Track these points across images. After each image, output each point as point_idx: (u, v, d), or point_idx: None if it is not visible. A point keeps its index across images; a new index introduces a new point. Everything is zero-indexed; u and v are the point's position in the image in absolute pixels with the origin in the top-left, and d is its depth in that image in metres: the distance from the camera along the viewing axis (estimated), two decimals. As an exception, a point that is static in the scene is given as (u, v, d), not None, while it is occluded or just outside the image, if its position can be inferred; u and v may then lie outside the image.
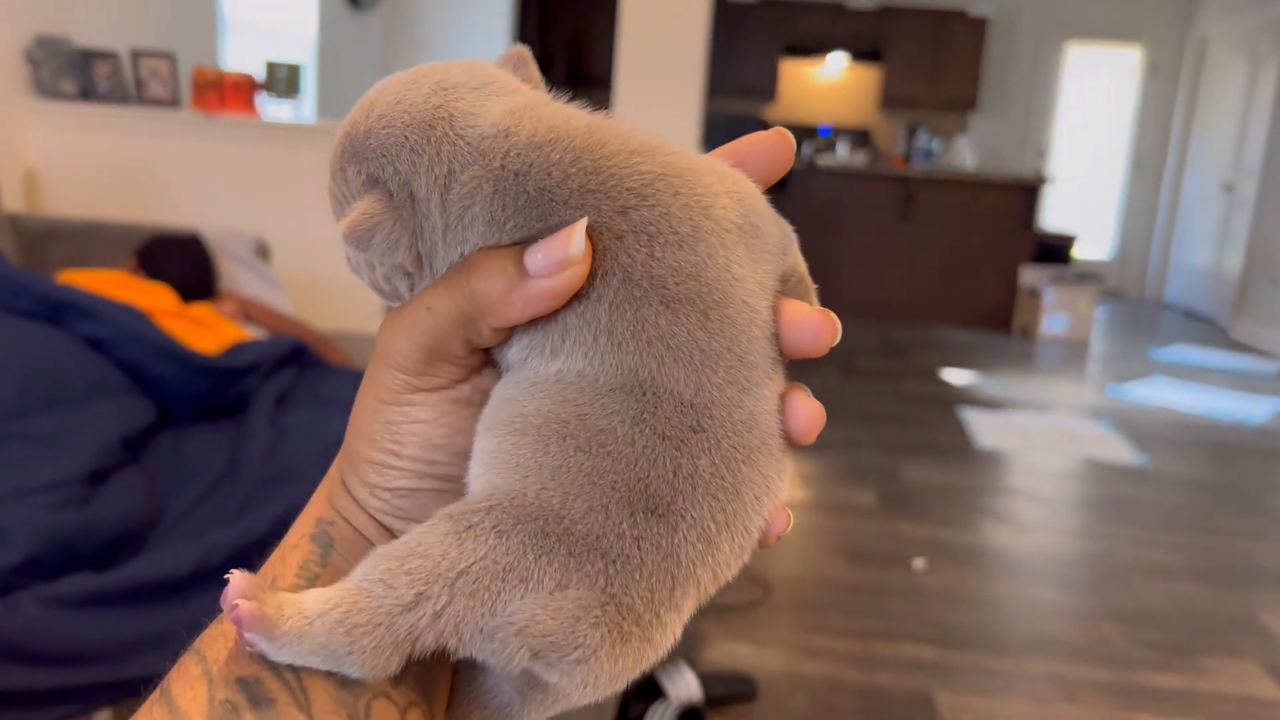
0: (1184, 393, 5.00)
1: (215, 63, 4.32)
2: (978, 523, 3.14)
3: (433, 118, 0.35)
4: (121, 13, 3.77)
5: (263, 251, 2.82)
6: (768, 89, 8.42)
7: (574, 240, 0.32)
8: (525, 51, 0.40)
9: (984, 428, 4.12)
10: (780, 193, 5.63)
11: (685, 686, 1.81)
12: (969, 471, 3.63)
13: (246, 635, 0.32)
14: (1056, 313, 6.21)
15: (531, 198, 0.33)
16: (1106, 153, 8.74)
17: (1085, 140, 8.67)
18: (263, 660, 0.34)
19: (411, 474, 0.38)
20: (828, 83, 8.67)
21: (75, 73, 3.24)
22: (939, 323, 6.60)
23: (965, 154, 7.30)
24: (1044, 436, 4.12)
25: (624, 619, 0.32)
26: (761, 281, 0.35)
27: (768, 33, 8.26)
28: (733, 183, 0.35)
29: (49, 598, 1.28)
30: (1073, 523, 3.26)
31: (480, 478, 0.34)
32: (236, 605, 0.32)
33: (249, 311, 2.32)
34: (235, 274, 2.56)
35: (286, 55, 4.99)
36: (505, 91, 0.36)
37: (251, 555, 1.47)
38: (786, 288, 0.37)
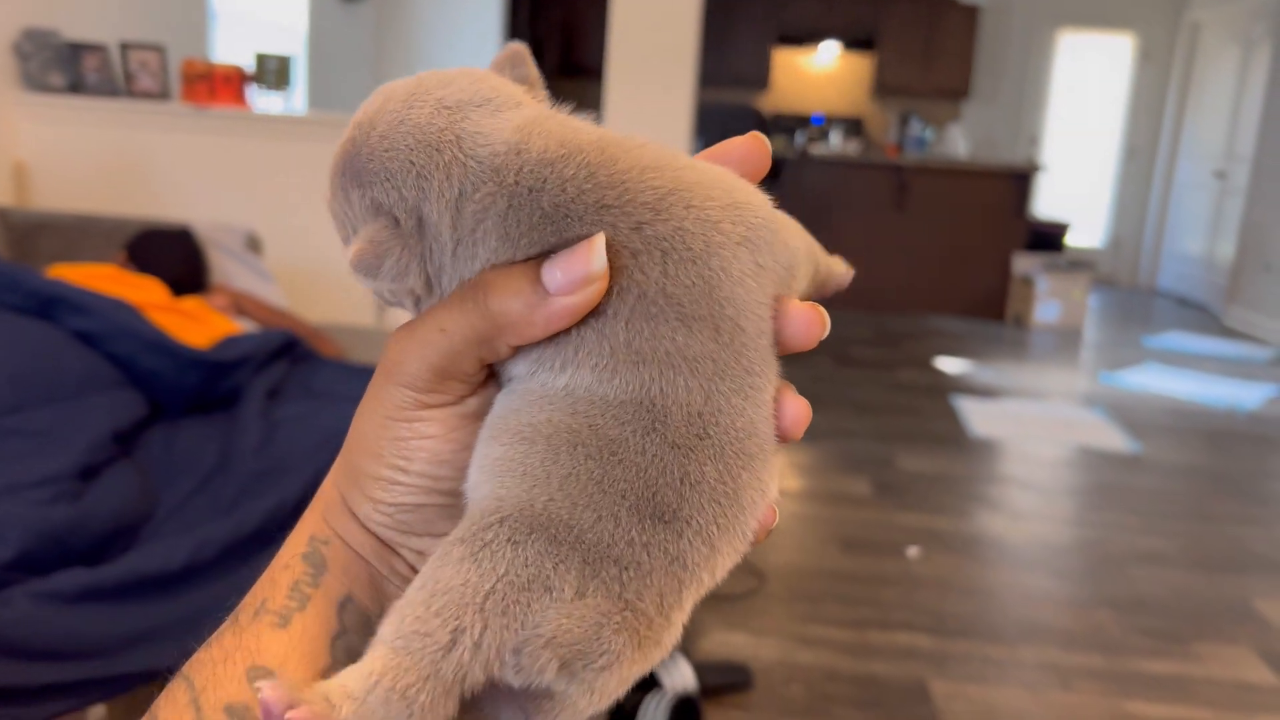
0: (1177, 380, 5.02)
1: (205, 55, 4.29)
2: (972, 511, 3.15)
3: (439, 140, 0.34)
4: (110, 5, 3.75)
5: (254, 244, 2.81)
6: (760, 78, 8.40)
7: (595, 257, 0.32)
8: (522, 49, 0.40)
9: (978, 416, 4.13)
10: (773, 183, 5.61)
11: (680, 676, 1.81)
12: (963, 460, 3.64)
13: None
14: (1050, 300, 6.22)
15: (546, 214, 0.33)
16: (1099, 140, 8.75)
17: (1078, 128, 8.67)
18: (250, 686, 0.34)
19: (418, 489, 0.38)
20: (820, 72, 8.65)
21: (64, 65, 3.22)
22: (932, 311, 6.61)
23: (958, 142, 7.29)
24: (1038, 424, 4.13)
25: (639, 624, 0.33)
26: (767, 290, 0.35)
27: (760, 22, 8.24)
28: (742, 194, 0.35)
29: (42, 593, 1.28)
30: (1066, 510, 3.27)
31: (483, 485, 0.34)
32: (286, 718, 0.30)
33: (240, 305, 2.32)
34: (226, 267, 2.55)
35: (277, 47, 4.97)
36: (510, 105, 0.36)
37: (244, 549, 1.47)
38: (816, 286, 0.39)
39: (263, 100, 3.44)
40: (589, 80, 7.90)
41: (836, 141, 7.61)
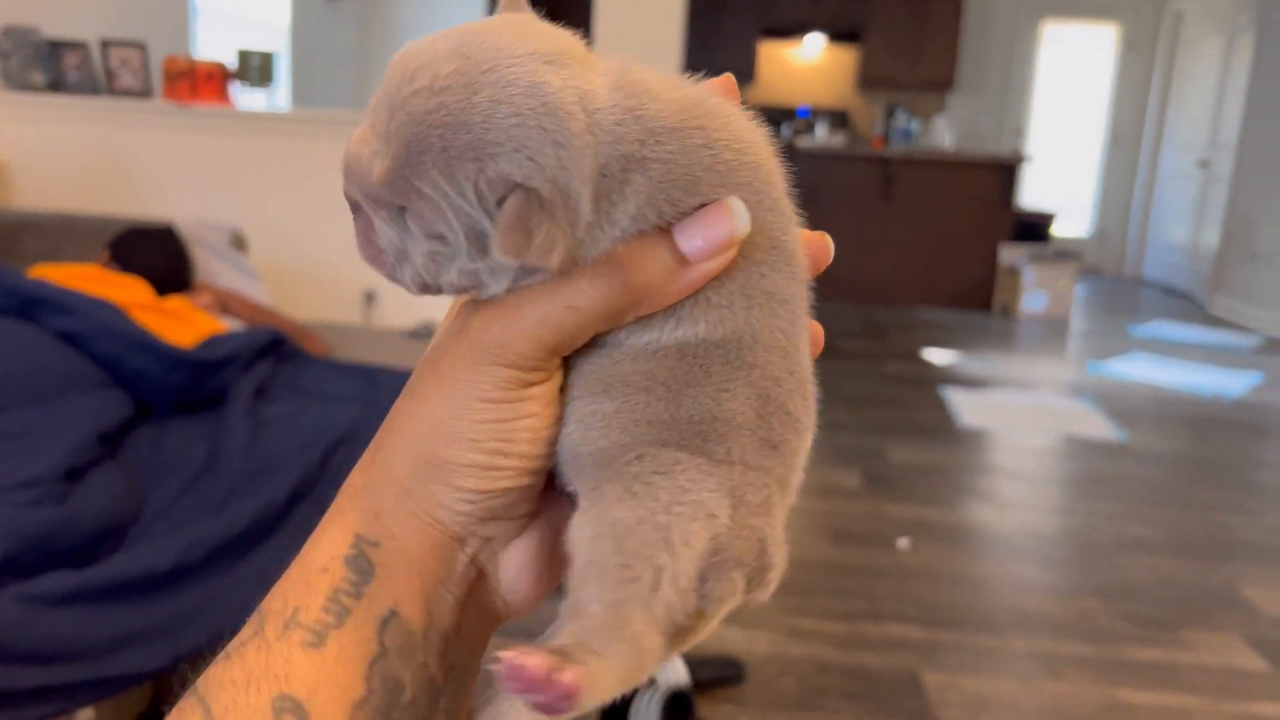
0: (1163, 368, 5.04)
1: (187, 52, 4.26)
2: (961, 502, 3.16)
3: (561, 101, 0.32)
4: (90, 2, 3.72)
5: (238, 242, 2.79)
6: (745, 71, 8.40)
7: (738, 220, 0.34)
8: None
9: (966, 407, 4.14)
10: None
11: (672, 671, 1.81)
12: (952, 451, 3.65)
13: (565, 706, 0.30)
14: (1036, 291, 6.24)
15: (675, 182, 0.34)
16: (1084, 130, 8.77)
17: (1063, 118, 8.69)
18: (274, 712, 0.32)
19: (517, 471, 0.36)
20: (806, 64, 8.65)
21: (44, 64, 3.20)
22: (920, 303, 6.62)
23: (944, 134, 7.30)
24: (1025, 414, 4.14)
25: (777, 539, 0.37)
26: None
27: (745, 14, 8.23)
28: (766, 137, 0.38)
29: (28, 596, 1.27)
30: (1054, 499, 3.28)
31: (600, 438, 0.35)
32: (557, 681, 0.30)
33: (225, 303, 2.30)
34: (211, 265, 2.54)
35: (259, 43, 4.94)
36: (584, 57, 0.35)
37: (233, 549, 1.46)
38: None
39: (246, 97, 3.42)
40: (574, 74, 7.89)
41: (822, 134, 7.61)
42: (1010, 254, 6.37)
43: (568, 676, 0.30)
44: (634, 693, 1.77)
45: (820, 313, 0.39)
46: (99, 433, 1.59)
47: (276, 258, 3.17)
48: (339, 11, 5.98)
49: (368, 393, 1.91)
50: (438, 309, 3.21)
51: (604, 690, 0.31)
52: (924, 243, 6.59)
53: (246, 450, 1.64)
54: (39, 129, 3.17)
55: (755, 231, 0.35)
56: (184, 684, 0.35)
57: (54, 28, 3.33)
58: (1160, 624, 2.41)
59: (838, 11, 8.19)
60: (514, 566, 0.38)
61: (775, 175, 0.37)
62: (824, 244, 0.39)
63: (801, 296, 0.37)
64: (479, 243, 0.33)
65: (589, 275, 0.34)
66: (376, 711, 0.34)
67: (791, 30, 8.36)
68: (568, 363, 0.36)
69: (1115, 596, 2.54)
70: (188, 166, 3.23)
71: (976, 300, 6.56)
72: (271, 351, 1.99)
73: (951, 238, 6.55)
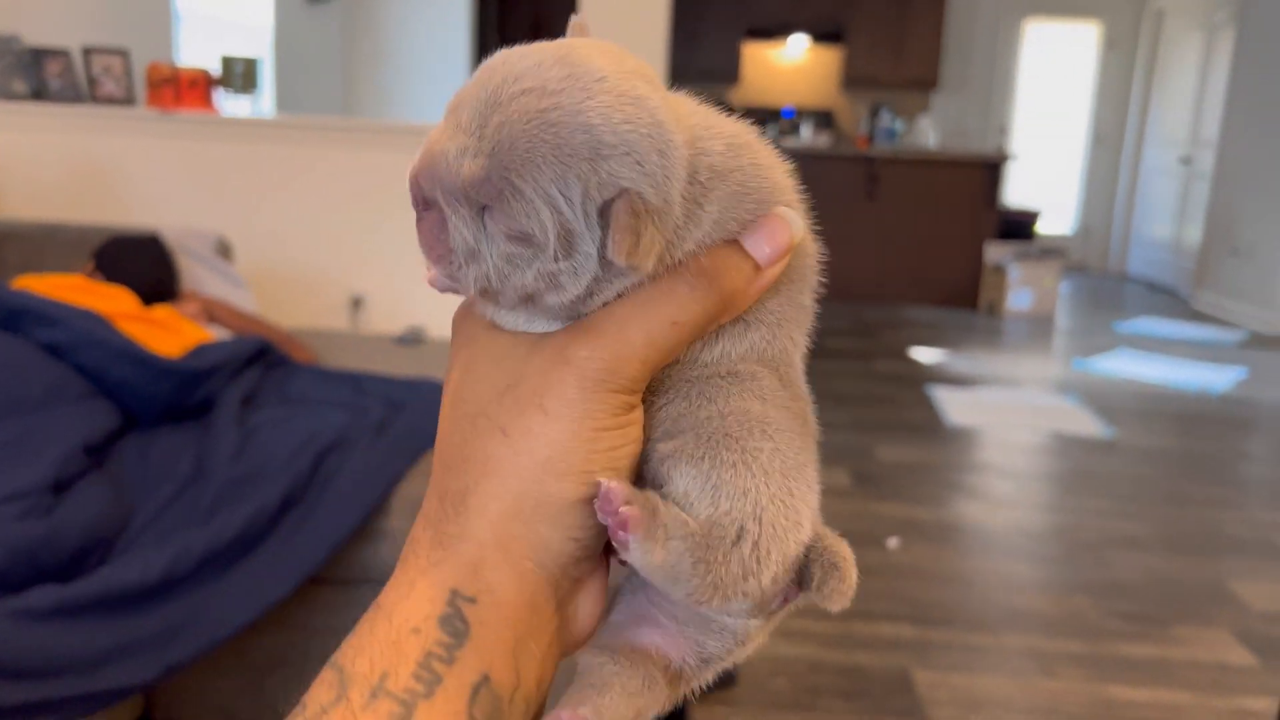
0: (1148, 364, 5.07)
1: (170, 58, 4.24)
2: (950, 500, 3.17)
3: (664, 115, 0.34)
4: (72, 9, 3.70)
5: (224, 250, 2.78)
6: (730, 72, 8.41)
7: (795, 227, 0.37)
8: (584, 24, 0.41)
9: (954, 405, 4.16)
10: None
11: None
12: (940, 449, 3.66)
13: (623, 535, 0.34)
14: (1022, 289, 6.27)
15: (749, 194, 0.37)
16: (1067, 128, 8.82)
17: (1046, 116, 8.74)
18: None
19: None
20: (790, 65, 8.67)
21: (26, 72, 3.18)
22: (907, 301, 6.64)
23: (928, 133, 7.33)
24: (1012, 412, 4.16)
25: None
26: None
27: (728, 16, 8.24)
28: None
29: (15, 610, 1.26)
30: (1043, 497, 3.29)
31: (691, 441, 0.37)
32: (621, 512, 0.34)
33: (212, 311, 2.29)
34: (197, 273, 2.52)
35: (242, 49, 4.92)
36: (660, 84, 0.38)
37: (222, 558, 1.45)
38: None
39: (230, 104, 3.41)
40: (559, 77, 7.88)
41: (807, 134, 7.62)
42: (996, 252, 6.40)
43: (627, 511, 0.34)
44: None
45: (809, 311, 0.42)
46: (85, 444, 1.58)
47: (263, 264, 3.15)
48: (322, 15, 5.96)
49: (356, 399, 1.91)
50: (426, 314, 3.21)
51: (651, 557, 0.35)
52: (910, 241, 6.61)
53: (234, 458, 1.63)
54: (21, 137, 3.15)
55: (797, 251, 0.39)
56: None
57: (36, 35, 3.31)
58: (1150, 620, 2.42)
59: (820, 12, 8.21)
60: (588, 604, 0.38)
61: (797, 196, 0.40)
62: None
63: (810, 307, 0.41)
64: (568, 243, 0.33)
65: (688, 287, 0.35)
66: None
67: (775, 31, 8.38)
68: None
69: (1105, 593, 2.55)
70: (172, 174, 3.22)
71: (963, 298, 6.58)
72: (259, 360, 1.97)
73: (937, 236, 6.57)
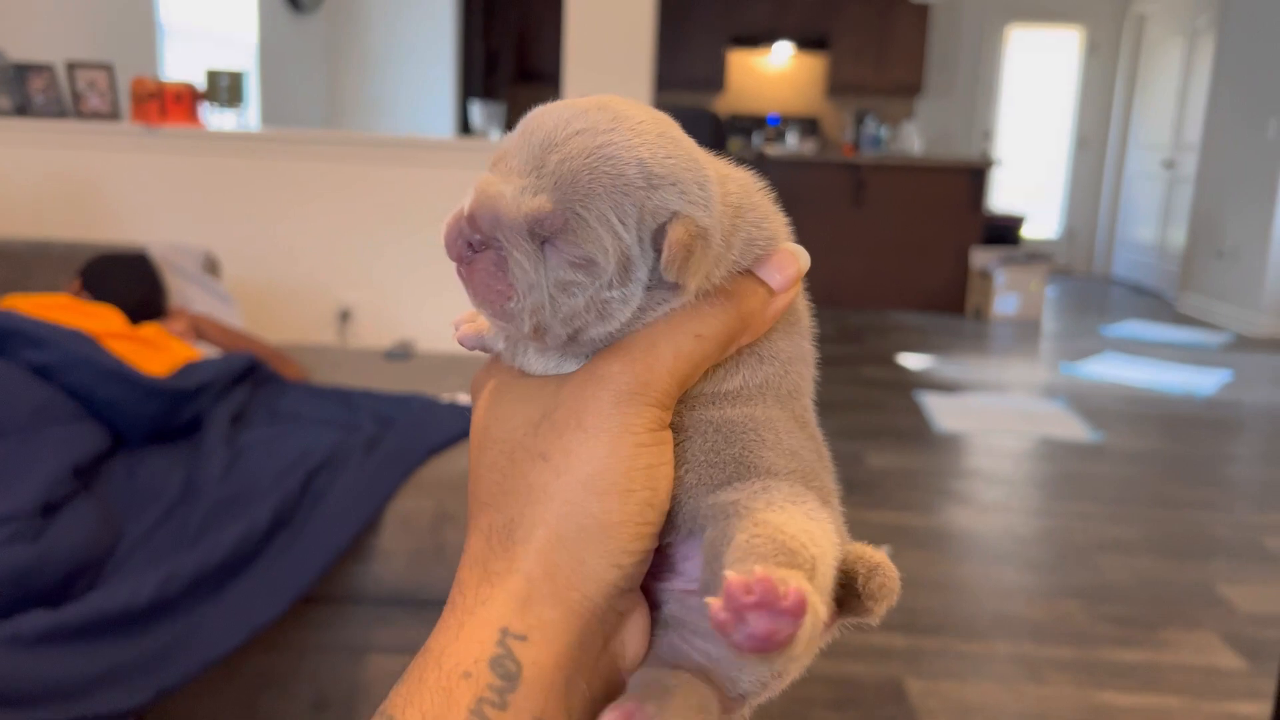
0: (1135, 368, 5.10)
1: (155, 72, 4.23)
2: (940, 506, 3.18)
3: (698, 155, 0.38)
4: (56, 24, 3.69)
5: (212, 265, 2.77)
6: (716, 80, 8.43)
7: (801, 257, 0.40)
8: None
9: (942, 410, 4.17)
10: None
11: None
12: (929, 455, 3.67)
13: (784, 626, 0.31)
14: (1008, 293, 6.30)
15: (763, 232, 0.40)
16: (1051, 133, 8.87)
17: (1030, 121, 8.79)
18: None
19: (655, 530, 0.37)
20: (775, 72, 8.70)
21: (10, 87, 3.16)
22: (894, 307, 6.66)
23: (913, 139, 7.36)
24: (1001, 417, 4.17)
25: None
26: None
27: (713, 23, 8.27)
28: None
29: (5, 637, 1.25)
30: (1032, 501, 3.31)
31: (716, 475, 0.38)
32: (794, 594, 0.31)
33: (199, 328, 2.28)
34: (184, 290, 2.52)
35: (227, 62, 4.91)
36: None
37: (213, 580, 1.45)
38: None
39: (216, 117, 3.40)
40: (545, 86, 7.89)
41: (793, 141, 7.65)
42: (982, 257, 6.43)
43: (794, 590, 0.31)
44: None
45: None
46: (73, 466, 1.57)
47: (249, 278, 3.15)
48: (307, 26, 5.95)
49: (346, 416, 1.90)
50: (414, 327, 3.20)
51: (814, 633, 0.33)
52: (896, 247, 6.63)
53: (224, 478, 1.63)
54: (5, 153, 3.14)
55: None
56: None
57: (19, 50, 3.30)
58: (1139, 624, 2.43)
59: (805, 19, 8.24)
60: (633, 642, 0.38)
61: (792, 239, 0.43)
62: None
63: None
64: (624, 269, 0.36)
65: (709, 304, 0.37)
66: None
67: (759, 39, 8.41)
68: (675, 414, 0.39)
69: (1094, 597, 2.56)
70: (158, 189, 3.21)
71: (949, 303, 6.61)
72: (247, 377, 1.97)
73: (923, 242, 6.60)
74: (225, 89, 3.38)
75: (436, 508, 1.68)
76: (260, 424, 1.83)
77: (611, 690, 0.38)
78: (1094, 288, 8.13)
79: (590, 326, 0.37)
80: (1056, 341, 5.94)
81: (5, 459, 1.52)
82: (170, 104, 3.22)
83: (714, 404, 0.39)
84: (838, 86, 8.37)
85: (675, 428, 0.38)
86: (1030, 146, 8.78)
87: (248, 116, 4.13)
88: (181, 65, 4.56)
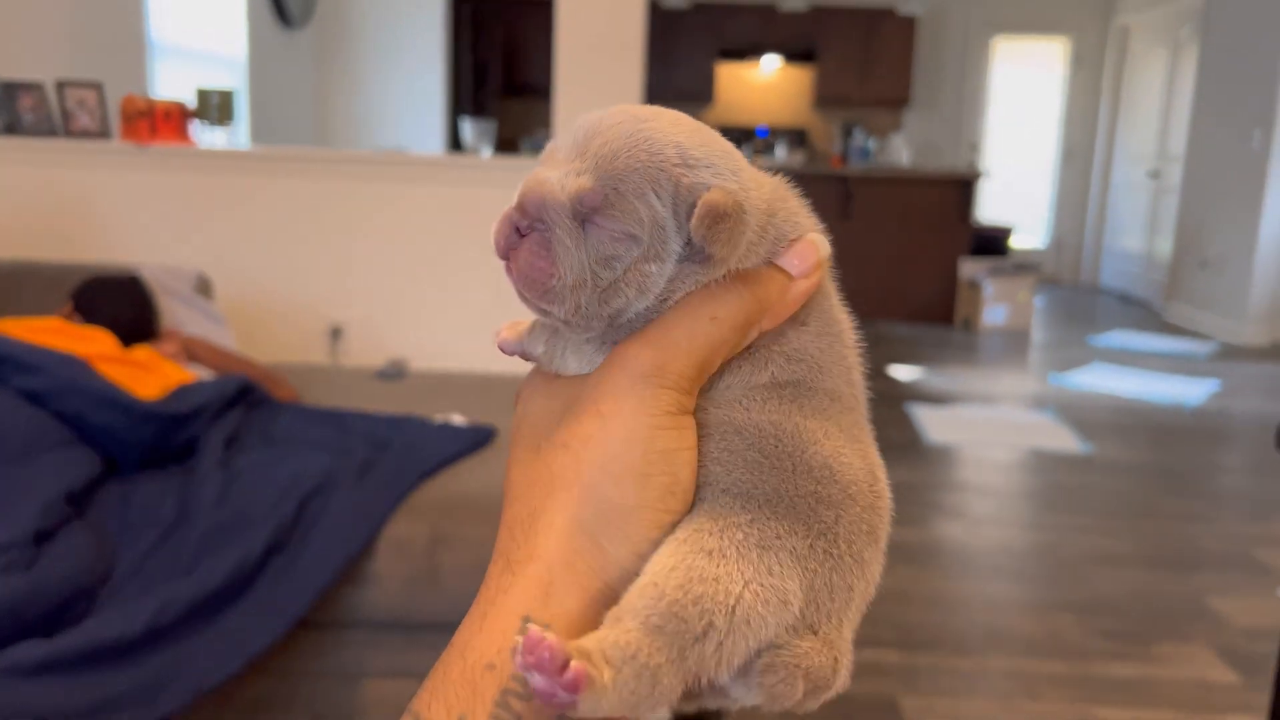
0: (1123, 378, 5.13)
1: (145, 90, 4.23)
2: (932, 520, 3.19)
3: (731, 148, 0.41)
4: (45, 42, 3.68)
5: (204, 287, 2.76)
6: (705, 92, 8.46)
7: (821, 245, 0.41)
8: None
9: (932, 422, 4.18)
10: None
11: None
12: (920, 468, 3.68)
13: (562, 696, 0.30)
14: (996, 304, 6.33)
15: (793, 227, 0.42)
16: (1037, 144, 8.92)
17: (1016, 132, 8.84)
18: None
19: (679, 516, 0.36)
20: (763, 84, 8.74)
21: (-3, 107, 3.15)
22: (883, 318, 6.69)
23: (901, 151, 7.40)
24: (990, 429, 4.19)
25: (849, 657, 0.39)
26: None
27: (702, 37, 8.31)
28: None
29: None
30: (1023, 514, 3.32)
31: (725, 477, 0.37)
32: (567, 668, 0.30)
33: (192, 350, 2.27)
34: (177, 312, 2.51)
35: (216, 79, 4.91)
36: None
37: (208, 607, 1.44)
38: None
39: (206, 135, 3.39)
40: (534, 100, 7.90)
41: (782, 153, 7.68)
42: (970, 268, 6.46)
43: (575, 669, 0.30)
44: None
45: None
46: (66, 492, 1.56)
47: (240, 296, 3.14)
48: (296, 41, 5.95)
49: (340, 439, 1.90)
50: (405, 345, 3.20)
51: (601, 702, 0.32)
52: (885, 259, 6.66)
53: (218, 504, 1.62)
54: (-7, 173, 3.13)
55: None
56: None
57: (8, 69, 3.29)
58: (1132, 638, 2.44)
59: (792, 32, 8.29)
60: None
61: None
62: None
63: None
64: (661, 242, 0.38)
65: (725, 287, 0.38)
66: None
67: (747, 51, 8.45)
68: (696, 412, 0.39)
69: (1087, 611, 2.57)
70: (148, 208, 3.20)
71: (938, 314, 6.64)
72: (241, 400, 1.96)
73: (912, 253, 6.63)
74: (216, 107, 3.38)
75: (431, 531, 1.68)
76: (254, 447, 1.82)
77: None
78: (1082, 297, 8.17)
79: (629, 304, 0.38)
80: (1045, 352, 5.96)
81: (-2, 487, 1.52)
82: (160, 122, 3.21)
83: (740, 404, 0.39)
84: (825, 99, 8.41)
85: (700, 424, 0.38)
86: (1017, 157, 8.83)
87: (238, 134, 4.13)
88: (170, 83, 4.56)
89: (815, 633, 0.37)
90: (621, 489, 0.35)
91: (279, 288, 3.23)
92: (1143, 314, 7.27)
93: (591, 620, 0.34)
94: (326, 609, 1.61)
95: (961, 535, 3.08)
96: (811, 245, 0.41)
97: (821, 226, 0.44)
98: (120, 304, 2.19)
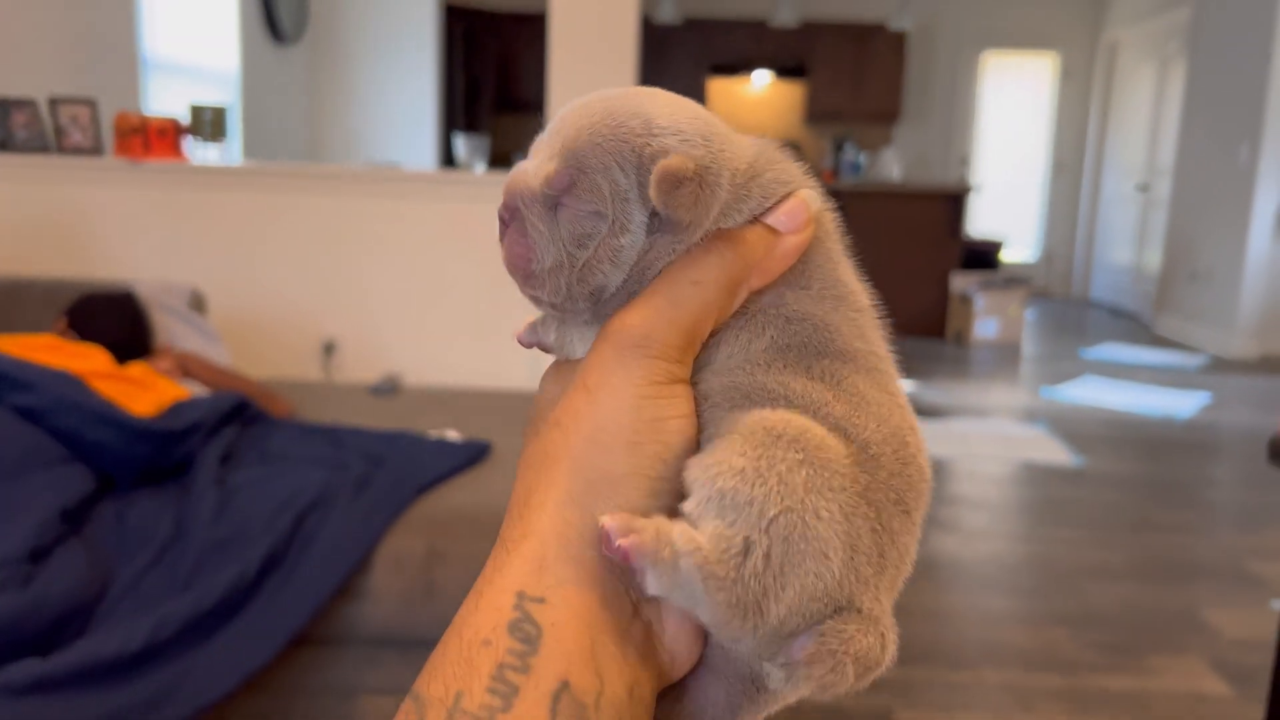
0: (1114, 391, 5.15)
1: (138, 106, 4.23)
2: (926, 533, 3.17)
3: (707, 114, 0.40)
4: (38, 58, 3.69)
5: (198, 303, 2.76)
6: (696, 107, 8.49)
7: (812, 204, 0.40)
8: None
9: (926, 436, 4.18)
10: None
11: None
12: (914, 482, 3.68)
13: (635, 563, 0.32)
14: (988, 317, 6.35)
15: (780, 188, 0.40)
16: (1027, 157, 8.98)
17: (1006, 146, 8.90)
18: None
19: (674, 490, 0.35)
20: (754, 99, 8.78)
21: (-9, 124, 3.16)
22: (875, 332, 6.70)
23: (892, 166, 7.44)
24: (983, 442, 4.20)
25: (893, 633, 0.38)
26: None
27: (693, 52, 8.35)
28: None
29: (-6, 687, 1.24)
30: (1016, 527, 3.33)
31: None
32: (619, 545, 0.32)
33: (186, 367, 2.28)
34: (171, 328, 2.51)
35: (210, 96, 4.91)
36: None
37: (205, 625, 1.44)
38: None
39: (199, 152, 3.40)
40: (527, 115, 7.92)
41: (774, 168, 7.70)
42: (961, 282, 6.49)
43: (625, 544, 0.32)
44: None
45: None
46: (62, 510, 1.56)
47: (233, 312, 3.14)
48: (289, 57, 5.97)
49: (335, 455, 1.90)
50: (398, 360, 3.20)
51: (660, 575, 0.33)
52: (877, 273, 6.46)
53: (214, 520, 1.62)
54: (-13, 190, 3.13)
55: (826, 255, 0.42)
56: None
57: (0, 85, 3.30)
58: (1126, 651, 2.45)
59: (783, 47, 8.34)
60: (675, 618, 0.36)
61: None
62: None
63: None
64: (626, 214, 0.37)
65: (705, 250, 0.37)
66: None
67: (739, 67, 8.49)
68: (698, 383, 0.38)
69: (1081, 624, 2.58)
70: (143, 225, 3.20)
71: (930, 328, 6.66)
72: (236, 416, 1.97)
73: (903, 267, 6.66)
74: (209, 123, 3.38)
75: (427, 547, 1.68)
76: (250, 464, 1.82)
77: (665, 675, 0.36)
78: (1072, 310, 8.21)
79: (608, 280, 0.38)
80: (1036, 365, 5.99)
81: (-7, 504, 1.51)
82: (154, 139, 3.22)
83: (743, 369, 0.38)
84: (816, 113, 8.45)
85: (703, 394, 0.37)
86: (1007, 171, 8.89)
87: (231, 150, 4.14)
88: (163, 99, 4.56)
89: (858, 610, 0.36)
90: (611, 458, 0.34)
91: (273, 303, 3.23)
92: (1133, 327, 7.31)
93: (588, 586, 0.34)
94: (323, 625, 1.61)
95: (955, 549, 3.08)
96: (800, 200, 0.39)
97: (816, 185, 0.42)
98: (114, 320, 2.19)
